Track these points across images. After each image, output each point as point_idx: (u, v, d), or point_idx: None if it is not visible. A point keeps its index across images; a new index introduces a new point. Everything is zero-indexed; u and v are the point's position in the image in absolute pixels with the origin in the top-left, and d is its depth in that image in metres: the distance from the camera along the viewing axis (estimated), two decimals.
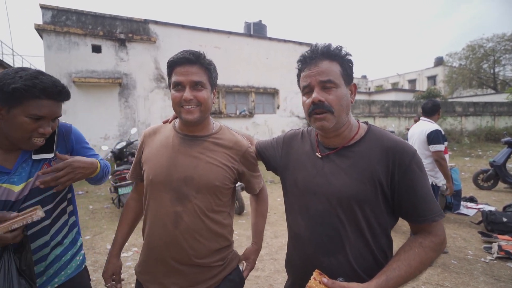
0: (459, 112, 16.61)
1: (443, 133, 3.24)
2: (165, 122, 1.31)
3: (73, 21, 9.40)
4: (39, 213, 1.01)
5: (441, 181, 3.30)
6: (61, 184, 1.06)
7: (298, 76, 1.06)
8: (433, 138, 3.19)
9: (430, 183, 3.21)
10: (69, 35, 9.19)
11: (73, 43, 9.27)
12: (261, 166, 1.34)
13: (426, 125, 3.33)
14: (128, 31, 10.12)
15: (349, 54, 1.00)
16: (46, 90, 0.98)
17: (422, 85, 31.24)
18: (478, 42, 25.77)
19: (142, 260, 1.22)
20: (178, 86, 1.10)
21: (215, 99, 1.21)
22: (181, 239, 1.10)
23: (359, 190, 0.95)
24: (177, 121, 1.25)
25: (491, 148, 13.38)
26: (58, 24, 9.14)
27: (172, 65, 1.12)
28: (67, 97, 1.08)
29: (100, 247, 3.85)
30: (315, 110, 0.96)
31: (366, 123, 1.10)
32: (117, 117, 9.94)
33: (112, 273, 1.28)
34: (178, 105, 1.11)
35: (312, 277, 0.89)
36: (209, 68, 1.13)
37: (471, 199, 5.44)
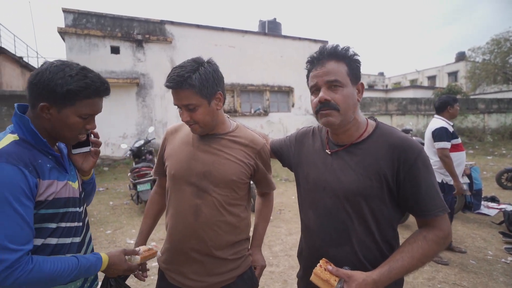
0: (482, 109, 16.00)
1: (451, 130, 3.16)
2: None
3: (93, 23, 9.72)
4: (158, 252, 1.26)
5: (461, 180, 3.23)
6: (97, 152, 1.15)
7: (307, 76, 1.10)
8: (436, 135, 3.17)
9: (440, 181, 3.18)
10: (89, 37, 9.52)
11: (93, 44, 9.59)
12: (277, 164, 1.39)
13: (434, 123, 3.30)
14: (145, 32, 10.37)
15: (357, 54, 1.03)
16: (98, 90, 0.99)
17: (443, 82, 30.21)
18: (504, 35, 24.56)
19: (165, 250, 1.29)
20: (178, 107, 1.16)
21: (221, 104, 1.20)
22: (201, 231, 1.17)
23: (366, 186, 0.99)
24: None
25: None
26: (79, 27, 9.49)
27: (168, 87, 1.13)
28: (109, 92, 1.07)
29: (121, 241, 4.01)
30: (322, 108, 1.01)
31: (375, 120, 1.13)
32: (135, 116, 10.23)
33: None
34: (185, 123, 1.19)
35: (318, 265, 0.94)
36: (199, 87, 1.08)
37: (493, 199, 5.26)
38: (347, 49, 1.02)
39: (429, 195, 0.96)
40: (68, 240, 1.01)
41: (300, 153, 1.23)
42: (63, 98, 0.92)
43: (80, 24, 9.55)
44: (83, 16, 9.62)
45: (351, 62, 1.02)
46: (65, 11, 9.40)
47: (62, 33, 9.26)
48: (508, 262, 3.14)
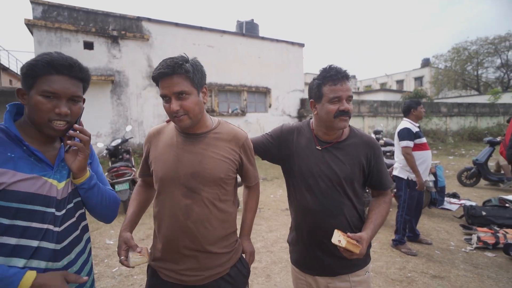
0: (444, 113, 17.16)
1: (414, 130, 3.46)
2: (168, 121, 1.37)
3: (64, 16, 9.30)
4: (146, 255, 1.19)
5: (424, 177, 3.52)
6: (83, 144, 1.04)
7: (319, 86, 1.37)
8: (400, 135, 3.52)
9: (406, 177, 3.50)
10: (61, 31, 9.11)
11: (65, 39, 9.18)
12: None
13: (400, 125, 3.62)
14: (121, 28, 10.09)
15: None
16: (53, 63, 0.94)
17: (410, 86, 31.98)
18: (463, 44, 26.63)
19: (156, 249, 1.30)
20: (165, 98, 1.16)
21: (206, 98, 1.25)
22: (193, 229, 1.20)
23: (352, 172, 1.38)
24: None
25: (474, 147, 13.93)
26: (49, 20, 9.04)
27: (156, 79, 1.17)
28: (81, 73, 1.02)
29: (99, 241, 3.93)
30: (342, 115, 1.33)
31: None
32: (109, 114, 9.91)
33: (123, 242, 1.23)
34: (170, 115, 1.18)
35: (339, 234, 1.21)
36: (188, 75, 1.13)
37: (454, 195, 5.74)
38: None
39: (386, 176, 1.45)
40: (34, 243, 0.92)
41: (289, 147, 1.48)
42: (27, 77, 0.95)
43: (50, 17, 9.10)
44: (54, 8, 9.18)
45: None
46: (34, 2, 8.92)
47: (30, 25, 8.77)
48: (467, 251, 3.48)
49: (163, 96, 1.16)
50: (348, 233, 1.25)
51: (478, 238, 3.58)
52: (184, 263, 1.23)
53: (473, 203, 5.00)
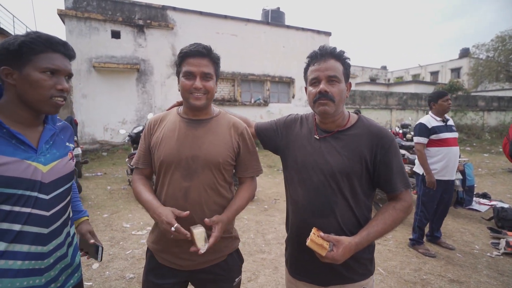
0: (482, 107, 15.99)
1: (430, 126, 3.23)
2: (169, 109, 1.44)
3: (93, 6, 9.61)
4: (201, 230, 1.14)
5: (447, 175, 3.27)
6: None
7: (306, 69, 1.25)
8: (414, 130, 3.38)
9: (421, 173, 3.31)
10: (90, 21, 9.43)
11: (94, 28, 9.50)
12: (274, 155, 1.44)
13: (421, 118, 3.42)
14: (147, 17, 10.26)
15: (349, 58, 1.22)
16: (51, 41, 0.96)
17: (445, 78, 30.02)
18: (509, 32, 24.30)
19: (155, 232, 1.33)
20: (189, 76, 1.22)
21: (216, 88, 1.35)
22: (191, 211, 1.21)
23: (349, 166, 1.17)
24: (181, 107, 1.38)
25: None
26: (79, 10, 9.38)
27: (185, 56, 1.23)
28: (72, 51, 1.04)
29: (117, 224, 4.09)
30: (320, 98, 1.15)
31: (357, 113, 1.30)
32: (134, 102, 10.22)
33: (171, 211, 1.17)
34: (188, 92, 1.23)
35: (311, 232, 1.09)
36: (217, 62, 1.28)
37: (485, 195, 5.35)
38: (344, 52, 1.20)
39: (398, 174, 1.17)
40: (16, 227, 0.91)
41: (289, 137, 1.36)
42: (18, 55, 0.92)
43: (80, 7, 9.44)
44: None
45: (345, 64, 1.20)
46: None
47: (62, 15, 9.16)
48: (493, 256, 3.22)
49: (188, 73, 1.22)
50: (321, 233, 1.09)
51: (507, 243, 3.30)
52: (180, 246, 1.24)
53: (505, 205, 4.63)
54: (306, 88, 1.29)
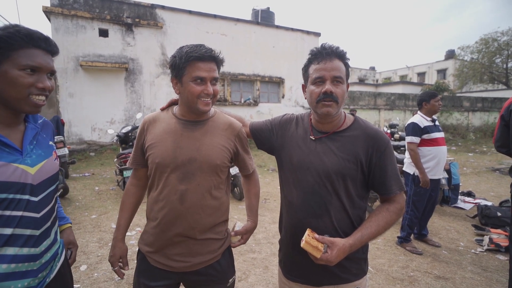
0: (467, 107, 16.41)
1: (422, 125, 3.29)
2: (162, 109, 1.37)
3: (80, 4, 9.40)
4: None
5: (437, 174, 3.35)
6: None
7: (306, 67, 1.23)
8: (406, 129, 3.41)
9: (412, 173, 3.34)
10: (77, 18, 9.22)
11: (80, 26, 9.30)
12: (264, 154, 1.44)
13: (411, 118, 3.47)
14: (135, 16, 10.11)
15: (349, 59, 1.22)
16: (32, 36, 0.90)
17: (432, 79, 30.67)
18: (493, 35, 25.02)
19: (147, 234, 1.31)
20: (198, 80, 1.17)
21: None
22: (187, 214, 1.21)
23: (344, 167, 1.17)
24: (176, 108, 1.33)
25: None
26: (65, 7, 9.16)
27: (195, 59, 1.16)
28: (55, 47, 0.98)
29: (106, 225, 4.02)
30: (325, 99, 1.14)
31: (353, 114, 1.31)
32: (123, 101, 10.05)
33: (120, 256, 1.34)
34: (197, 97, 1.19)
35: (306, 234, 1.09)
36: (220, 65, 1.26)
37: (469, 194, 5.49)
38: (346, 52, 1.19)
39: (392, 177, 1.18)
40: (7, 231, 0.89)
41: (284, 137, 1.34)
42: None
43: (66, 4, 9.22)
44: None
45: (347, 65, 1.20)
46: None
47: (48, 12, 8.93)
48: (477, 252, 3.32)
49: (199, 78, 1.17)
50: (316, 235, 1.09)
51: (491, 239, 3.41)
52: (174, 248, 1.24)
53: (489, 203, 4.78)
54: (303, 86, 1.28)
